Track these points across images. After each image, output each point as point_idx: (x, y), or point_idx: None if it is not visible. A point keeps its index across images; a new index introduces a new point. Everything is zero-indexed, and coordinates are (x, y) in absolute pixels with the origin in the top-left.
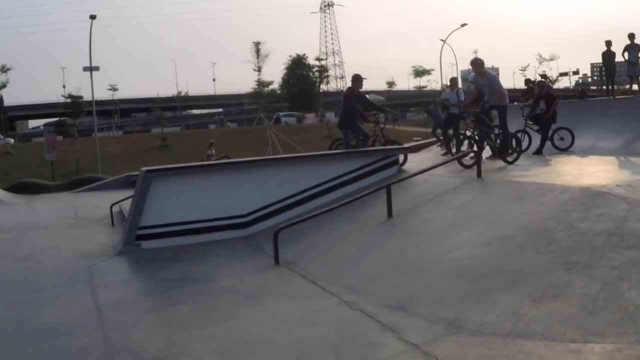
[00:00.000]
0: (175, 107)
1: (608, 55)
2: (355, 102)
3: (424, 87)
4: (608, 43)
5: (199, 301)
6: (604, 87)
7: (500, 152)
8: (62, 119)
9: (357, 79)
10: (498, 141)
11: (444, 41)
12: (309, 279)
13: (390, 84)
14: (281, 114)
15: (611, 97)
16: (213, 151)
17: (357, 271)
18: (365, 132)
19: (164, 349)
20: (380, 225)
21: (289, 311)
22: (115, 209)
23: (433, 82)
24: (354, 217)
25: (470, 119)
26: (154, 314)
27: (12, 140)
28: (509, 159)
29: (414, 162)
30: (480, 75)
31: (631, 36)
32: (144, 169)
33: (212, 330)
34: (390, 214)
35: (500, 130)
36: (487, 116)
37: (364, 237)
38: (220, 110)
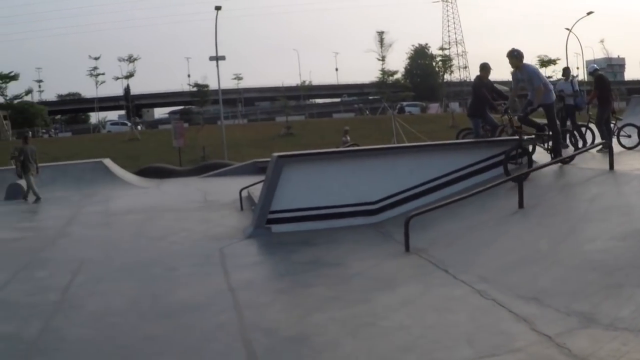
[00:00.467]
0: (298, 96)
1: None
2: (484, 90)
3: (549, 77)
4: None
5: (331, 284)
6: None
7: (554, 154)
8: (188, 107)
9: (484, 68)
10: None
11: (569, 30)
12: (440, 267)
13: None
14: (405, 103)
15: None
16: (348, 138)
17: (488, 261)
18: (494, 122)
19: (299, 329)
20: (511, 216)
21: (421, 298)
22: (244, 193)
23: (558, 72)
24: (484, 207)
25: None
26: (287, 295)
27: (139, 127)
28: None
29: (541, 152)
30: (519, 69)
31: None
32: (276, 154)
33: (345, 313)
34: (521, 204)
35: (550, 132)
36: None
37: (495, 227)
38: (340, 99)
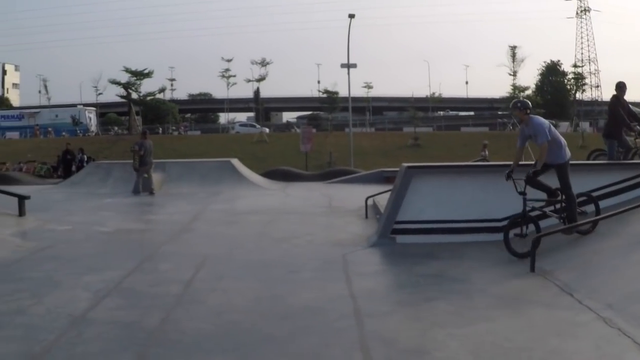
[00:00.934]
0: (427, 107)
1: None
2: (620, 110)
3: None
4: None
5: (454, 300)
6: None
7: (568, 222)
8: (316, 112)
9: (620, 87)
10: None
11: None
12: (565, 291)
13: None
14: None
15: None
16: (486, 152)
17: (615, 288)
18: (628, 144)
19: (418, 342)
20: None
21: (545, 321)
22: (370, 202)
23: None
24: (614, 231)
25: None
26: (408, 307)
27: (267, 130)
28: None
29: None
30: (526, 123)
31: None
32: (405, 165)
33: (466, 330)
34: None
35: (564, 196)
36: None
37: (624, 253)
38: (472, 113)
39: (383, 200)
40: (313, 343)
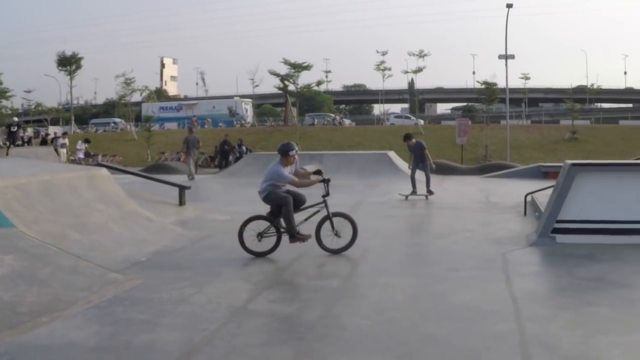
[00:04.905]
0: (584, 99)
1: None
2: None
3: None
4: None
5: (617, 306)
6: None
7: None
8: (471, 104)
9: None
10: None
11: None
12: None
13: None
14: None
15: None
16: None
17: None
18: None
19: (581, 349)
20: None
21: None
22: (529, 198)
23: None
24: None
25: None
26: (569, 312)
27: (422, 122)
28: None
29: None
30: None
31: None
32: (569, 162)
33: (631, 339)
34: None
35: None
36: None
37: None
38: (630, 105)
39: (542, 197)
40: (473, 346)
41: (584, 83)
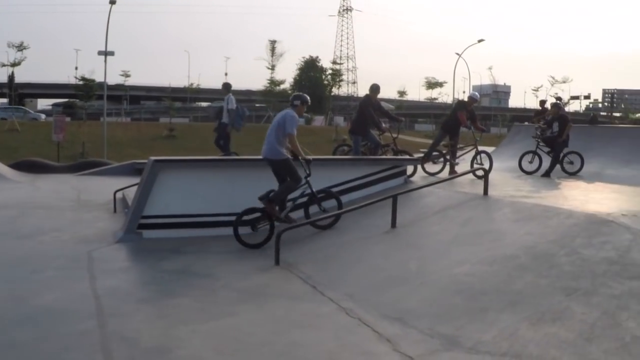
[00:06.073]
0: (185, 98)
1: None
2: (371, 110)
3: (435, 99)
4: None
5: (198, 296)
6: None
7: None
8: (72, 100)
9: (375, 90)
10: None
11: (459, 55)
12: (308, 283)
13: (402, 93)
14: None
15: None
16: None
17: (357, 279)
18: (377, 140)
19: (161, 340)
20: (384, 235)
21: (287, 313)
22: (119, 195)
23: (444, 95)
24: (357, 224)
25: None
26: (152, 305)
27: (43, 117)
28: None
29: (422, 173)
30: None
31: None
32: (152, 158)
33: (210, 326)
34: (394, 224)
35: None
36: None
37: (367, 245)
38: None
39: (132, 194)
40: (54, 348)
41: (185, 82)
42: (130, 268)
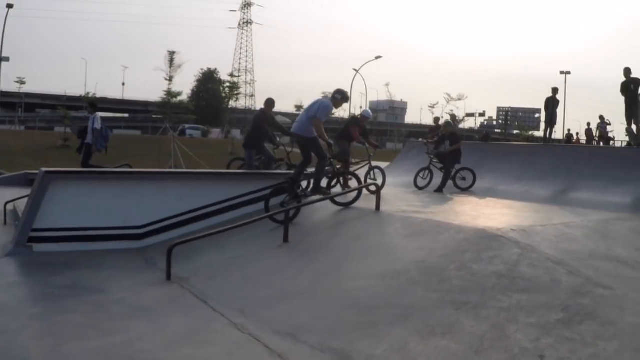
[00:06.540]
0: (81, 107)
1: (552, 102)
2: (265, 125)
3: (332, 113)
4: (554, 90)
5: (89, 312)
6: (509, 132)
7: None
8: None
9: (270, 104)
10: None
11: (356, 71)
12: (199, 298)
13: (299, 107)
14: (187, 126)
15: (549, 144)
16: None
17: (249, 294)
18: (271, 155)
19: (50, 357)
20: (276, 250)
21: (178, 329)
22: (10, 207)
23: (341, 110)
24: (250, 238)
25: None
26: (41, 322)
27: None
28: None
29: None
30: None
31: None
32: (44, 169)
33: (100, 342)
34: (286, 239)
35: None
36: None
37: (259, 260)
38: (127, 115)
39: (23, 205)
40: None
41: (82, 91)
42: (19, 283)
